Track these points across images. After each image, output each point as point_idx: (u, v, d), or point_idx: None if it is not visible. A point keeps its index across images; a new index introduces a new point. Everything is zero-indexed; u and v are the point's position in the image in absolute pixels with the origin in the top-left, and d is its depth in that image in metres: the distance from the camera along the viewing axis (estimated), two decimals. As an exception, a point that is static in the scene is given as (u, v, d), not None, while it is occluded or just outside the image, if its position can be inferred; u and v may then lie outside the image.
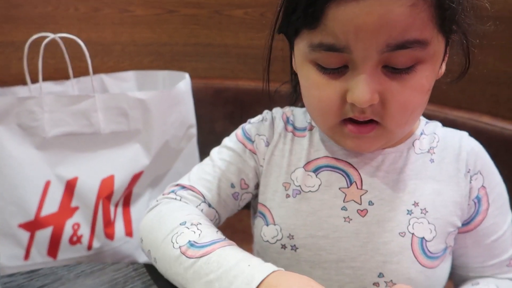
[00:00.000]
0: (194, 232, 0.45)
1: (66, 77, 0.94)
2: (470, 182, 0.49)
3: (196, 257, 0.42)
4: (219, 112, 1.07)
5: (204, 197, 0.54)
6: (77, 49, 0.85)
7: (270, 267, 0.40)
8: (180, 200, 0.53)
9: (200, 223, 0.47)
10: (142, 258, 0.90)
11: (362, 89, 0.40)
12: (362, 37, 0.38)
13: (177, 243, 0.44)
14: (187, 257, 0.43)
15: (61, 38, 0.86)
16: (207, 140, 1.16)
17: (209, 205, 0.55)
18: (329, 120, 0.45)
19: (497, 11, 0.77)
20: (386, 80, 0.41)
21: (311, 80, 0.44)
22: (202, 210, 0.54)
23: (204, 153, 1.08)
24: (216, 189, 0.55)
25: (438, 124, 0.55)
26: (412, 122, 0.46)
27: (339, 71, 0.42)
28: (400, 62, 0.40)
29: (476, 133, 0.79)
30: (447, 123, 0.83)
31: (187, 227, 0.46)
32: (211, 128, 1.08)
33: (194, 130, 0.98)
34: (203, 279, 0.40)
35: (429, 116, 0.85)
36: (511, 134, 0.74)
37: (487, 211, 0.50)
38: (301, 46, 0.44)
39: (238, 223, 0.70)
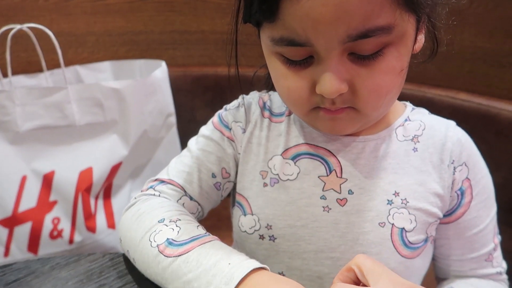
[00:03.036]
0: (173, 229, 0.44)
1: (39, 70, 0.92)
2: (454, 174, 0.48)
3: (174, 256, 0.41)
4: (199, 100, 1.06)
5: (184, 191, 0.53)
6: (50, 40, 0.83)
7: (251, 265, 0.38)
8: (159, 195, 0.52)
9: (180, 219, 0.46)
10: (126, 250, 0.90)
11: (329, 80, 0.39)
12: (321, 30, 0.37)
13: (155, 241, 0.43)
14: (165, 256, 0.41)
15: (32, 30, 0.83)
16: (188, 129, 1.15)
17: (191, 198, 0.53)
18: (302, 109, 0.44)
19: (471, -14, 0.77)
20: (353, 67, 0.39)
21: (278, 71, 0.43)
22: (183, 204, 0.52)
23: (185, 142, 1.05)
24: (197, 181, 0.53)
25: (425, 112, 0.53)
26: (388, 104, 0.45)
27: (305, 61, 0.41)
28: (366, 49, 0.38)
29: (454, 110, 0.80)
30: (426, 101, 0.84)
31: (165, 225, 0.45)
32: (192, 117, 1.06)
33: (173, 119, 0.97)
34: (182, 278, 0.39)
35: (408, 96, 0.85)
36: (487, 109, 0.75)
37: (470, 204, 0.49)
38: (264, 39, 0.43)
39: (224, 210, 0.70)
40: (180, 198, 0.52)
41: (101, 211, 0.86)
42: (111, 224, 0.88)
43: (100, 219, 0.86)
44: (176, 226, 0.44)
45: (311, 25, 0.37)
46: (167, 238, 0.43)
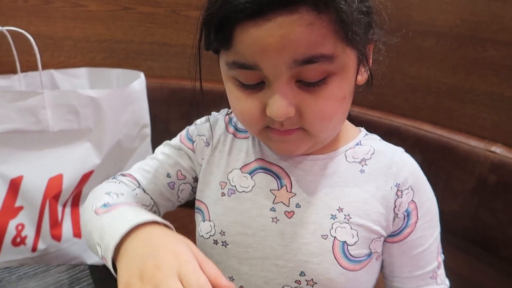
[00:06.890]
0: (113, 198, 0.49)
1: (13, 71, 0.90)
2: (401, 197, 0.51)
3: (102, 213, 0.46)
4: (175, 112, 1.07)
5: (139, 183, 0.58)
6: (25, 42, 0.81)
7: (149, 217, 0.42)
8: (119, 183, 0.57)
9: (123, 194, 0.51)
10: (91, 260, 0.88)
11: (277, 104, 0.43)
12: (268, 56, 0.41)
13: (94, 206, 0.48)
14: (97, 215, 0.46)
15: (9, 31, 0.82)
16: (162, 140, 1.14)
17: (144, 191, 0.58)
18: (254, 128, 0.48)
19: (438, 27, 0.83)
20: (300, 93, 0.43)
21: (233, 94, 0.47)
22: (136, 194, 0.57)
23: (158, 153, 1.07)
24: (152, 177, 0.58)
25: (376, 138, 0.57)
26: (335, 126, 0.49)
27: (257, 86, 0.45)
28: (311, 76, 0.42)
29: (418, 139, 0.86)
30: (392, 129, 0.88)
31: (108, 195, 0.50)
32: (166, 128, 1.07)
33: (148, 130, 0.97)
34: (98, 232, 0.43)
35: (376, 123, 0.89)
36: (448, 141, 0.80)
37: (416, 224, 0.52)
38: (221, 64, 0.47)
39: (190, 224, 0.71)
40: (134, 189, 0.57)
41: (68, 219, 0.85)
42: (77, 233, 0.86)
43: (66, 228, 0.84)
44: (117, 196, 0.50)
45: (259, 52, 0.41)
46: (104, 203, 0.48)
